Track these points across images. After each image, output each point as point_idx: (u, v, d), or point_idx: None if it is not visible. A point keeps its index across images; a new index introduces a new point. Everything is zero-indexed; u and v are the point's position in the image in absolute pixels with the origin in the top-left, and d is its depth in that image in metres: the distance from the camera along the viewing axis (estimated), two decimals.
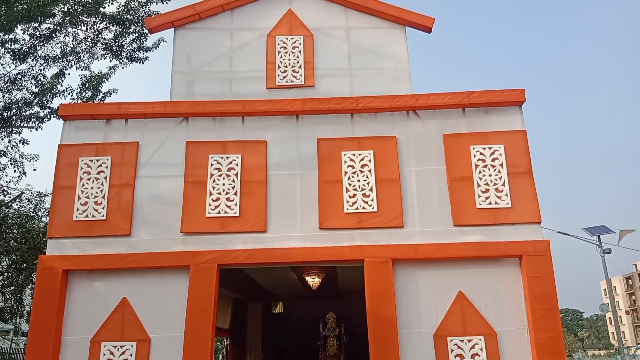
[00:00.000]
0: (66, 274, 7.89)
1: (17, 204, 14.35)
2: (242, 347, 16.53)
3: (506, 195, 7.95)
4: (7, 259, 13.28)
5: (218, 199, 8.13)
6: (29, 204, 14.16)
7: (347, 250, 7.85)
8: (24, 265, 12.68)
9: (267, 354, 16.79)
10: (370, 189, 8.10)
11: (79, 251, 7.96)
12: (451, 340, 7.40)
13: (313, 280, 12.28)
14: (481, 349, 7.34)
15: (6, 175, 14.52)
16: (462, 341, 7.39)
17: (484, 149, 8.27)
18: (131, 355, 7.56)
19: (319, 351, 16.66)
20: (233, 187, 8.22)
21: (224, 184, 8.24)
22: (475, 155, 8.24)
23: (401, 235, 7.88)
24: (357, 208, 8.02)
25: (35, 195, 14.31)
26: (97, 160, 8.43)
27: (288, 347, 16.72)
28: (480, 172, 8.12)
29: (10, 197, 14.24)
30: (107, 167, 8.37)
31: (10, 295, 13.16)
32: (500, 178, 8.07)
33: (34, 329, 7.71)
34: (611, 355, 38.17)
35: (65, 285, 7.86)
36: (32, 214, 14.05)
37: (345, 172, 8.26)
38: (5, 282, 12.95)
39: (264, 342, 16.81)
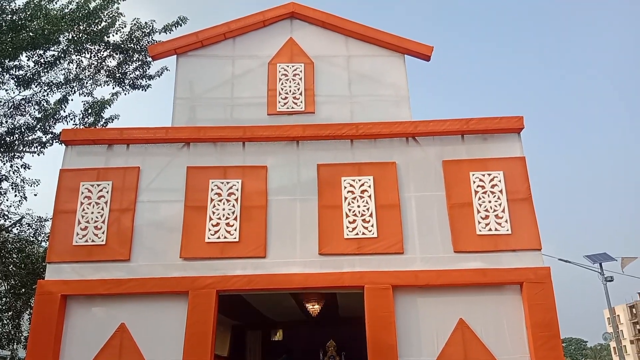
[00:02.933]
0: (65, 299, 7.84)
1: (17, 229, 14.35)
2: None
3: (506, 221, 7.96)
4: (5, 284, 13.22)
5: (218, 224, 8.14)
6: (29, 229, 14.15)
7: (347, 277, 7.81)
8: (23, 290, 12.60)
9: None
10: (370, 215, 8.11)
11: (78, 276, 7.93)
12: None
13: (313, 307, 12.18)
14: None
15: (7, 200, 14.56)
16: None
17: (484, 175, 8.30)
18: None
19: None
20: (233, 212, 8.23)
21: (224, 209, 8.26)
22: (474, 182, 8.27)
23: (401, 261, 7.85)
24: (357, 234, 8.02)
25: (35, 220, 14.32)
26: (98, 185, 8.47)
27: None
28: (480, 199, 8.14)
29: (10, 222, 14.24)
30: (107, 192, 8.40)
31: (7, 320, 13.04)
32: (500, 204, 8.08)
33: (32, 354, 7.62)
34: None
35: (63, 311, 7.81)
36: (32, 239, 14.02)
37: (345, 198, 8.28)
38: (3, 307, 12.84)
39: None
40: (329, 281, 7.84)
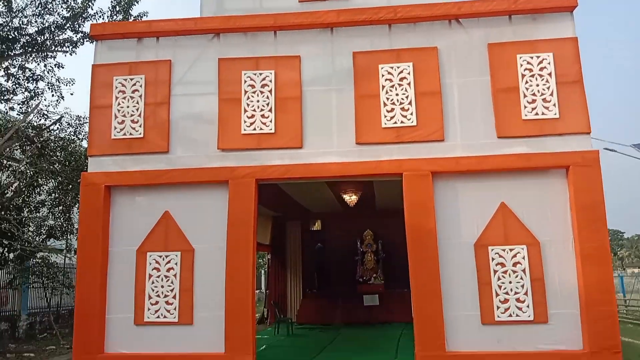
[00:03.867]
0: (108, 190, 8.10)
1: (57, 128, 14.66)
2: (282, 262, 17.09)
3: (554, 105, 7.57)
4: (53, 181, 13.77)
5: (253, 115, 8.04)
6: (69, 127, 14.46)
7: (385, 165, 7.73)
8: (70, 186, 13.14)
9: (307, 268, 17.30)
10: (409, 103, 7.83)
11: (119, 168, 8.12)
12: (492, 250, 7.37)
13: (350, 198, 12.33)
14: (523, 258, 7.29)
15: (45, 100, 14.77)
16: (503, 250, 7.35)
17: (532, 57, 7.81)
18: (176, 264, 7.86)
19: (357, 265, 17.14)
20: (267, 104, 8.09)
21: (258, 101, 8.12)
22: (522, 65, 7.80)
23: (441, 148, 7.68)
24: (395, 122, 7.81)
25: (74, 118, 14.59)
26: (131, 79, 8.39)
27: (327, 262, 17.19)
28: (527, 82, 7.72)
29: (50, 121, 14.55)
30: (141, 86, 8.34)
31: (59, 214, 13.77)
32: (548, 88, 7.65)
33: (83, 241, 8.06)
34: None
35: (108, 201, 8.10)
36: (73, 137, 14.37)
37: (383, 86, 7.98)
38: (54, 203, 13.50)
39: (304, 257, 17.31)
40: (367, 169, 7.79)
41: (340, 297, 16.18)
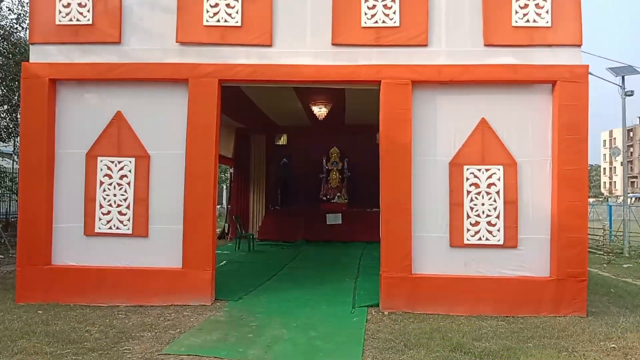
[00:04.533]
0: (54, 83, 7.19)
1: None
2: (245, 176, 16.58)
3: (547, 12, 6.94)
4: None
5: (217, 4, 7.10)
6: (10, 14, 12.94)
7: (363, 70, 7.07)
8: (15, 82, 11.93)
9: (271, 184, 16.89)
10: (393, 0, 7.06)
11: (66, 59, 7.17)
12: (467, 169, 6.97)
13: (320, 111, 11.70)
14: (499, 179, 6.93)
15: None
16: (479, 170, 6.96)
17: None
18: (130, 171, 7.20)
19: (322, 183, 16.84)
20: None
21: None
22: None
23: (424, 54, 7.02)
24: (376, 22, 7.05)
25: (16, 3, 13.02)
26: None
27: (291, 179, 16.80)
28: None
29: None
30: None
31: (5, 114, 12.68)
32: None
33: (25, 141, 7.25)
34: (602, 202, 39.34)
35: (53, 96, 7.22)
36: (15, 25, 12.90)
37: None
38: None
39: (268, 173, 16.84)
40: (343, 75, 7.12)
41: (303, 214, 15.96)
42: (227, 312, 6.67)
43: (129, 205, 7.21)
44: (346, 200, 16.54)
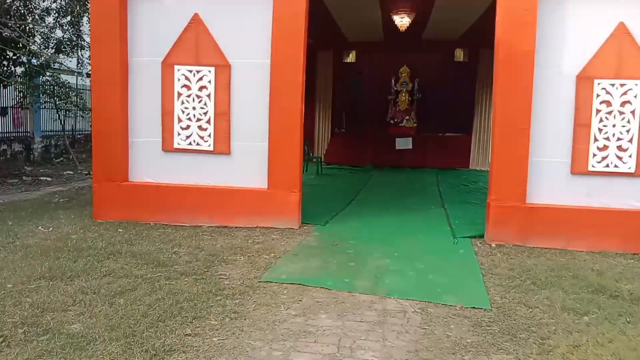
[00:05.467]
0: None
1: None
2: (311, 97, 15.73)
3: None
4: None
5: None
6: None
7: None
8: None
9: (337, 105, 16.04)
10: None
11: None
12: (599, 84, 5.93)
13: (401, 21, 10.56)
14: (635, 96, 5.88)
15: None
16: (612, 85, 5.91)
17: None
18: (210, 82, 6.55)
19: (389, 106, 15.87)
20: None
21: None
22: None
23: None
24: None
25: None
26: None
27: (357, 100, 15.87)
28: None
29: None
30: None
31: (67, 26, 12.16)
32: None
33: (96, 47, 6.67)
34: None
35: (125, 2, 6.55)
36: None
37: None
38: (60, 12, 11.80)
39: (335, 93, 15.95)
40: None
41: (370, 138, 15.16)
42: (318, 237, 6.14)
43: (209, 119, 6.61)
44: (415, 124, 15.55)
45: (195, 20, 6.46)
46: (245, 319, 3.62)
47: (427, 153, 14.71)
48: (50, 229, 6.23)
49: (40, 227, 6.28)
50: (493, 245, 6.03)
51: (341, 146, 15.38)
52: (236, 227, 6.45)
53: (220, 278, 4.53)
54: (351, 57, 15.32)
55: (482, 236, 6.32)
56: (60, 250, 5.18)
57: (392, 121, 15.75)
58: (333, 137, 15.94)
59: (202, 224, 6.54)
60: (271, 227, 6.46)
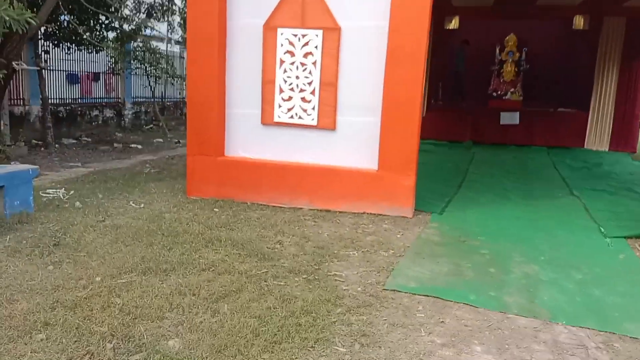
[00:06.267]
0: None
1: None
2: None
3: None
4: None
5: None
6: None
7: None
8: None
9: (436, 74, 14.81)
10: None
11: None
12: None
13: None
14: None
15: None
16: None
17: None
18: (316, 47, 5.74)
19: (492, 77, 14.45)
20: None
21: None
22: None
23: None
24: None
25: None
26: None
27: (460, 72, 14.56)
28: None
29: None
30: None
31: None
32: None
33: (192, 10, 6.02)
34: None
35: None
36: None
37: None
38: None
39: (434, 60, 14.73)
40: None
41: (470, 112, 13.90)
42: (439, 230, 5.26)
43: (314, 90, 5.84)
44: (521, 98, 14.10)
45: None
46: (379, 347, 2.86)
47: (535, 129, 13.29)
48: (142, 205, 5.77)
49: (131, 203, 5.85)
50: None
51: (439, 120, 14.18)
52: (340, 212, 5.72)
53: (336, 281, 3.79)
54: (454, 24, 13.94)
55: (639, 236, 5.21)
56: (153, 233, 4.66)
57: (494, 94, 14.37)
58: (429, 110, 14.77)
59: (302, 206, 5.86)
60: (381, 214, 5.67)
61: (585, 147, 13.11)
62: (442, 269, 4.13)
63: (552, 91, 13.58)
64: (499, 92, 14.40)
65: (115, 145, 11.07)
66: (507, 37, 14.28)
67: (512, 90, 14.30)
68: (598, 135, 13.15)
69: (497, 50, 14.34)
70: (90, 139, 11.72)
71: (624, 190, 7.85)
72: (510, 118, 13.65)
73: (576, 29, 12.96)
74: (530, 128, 13.33)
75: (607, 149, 12.91)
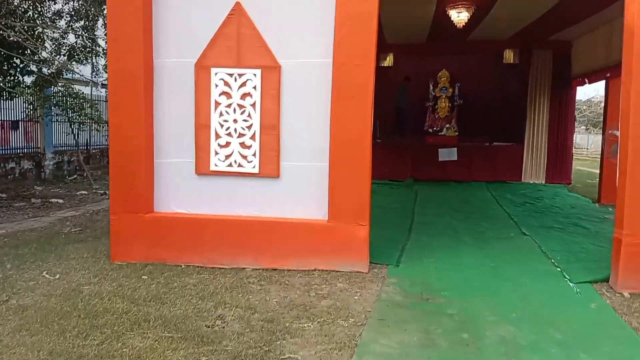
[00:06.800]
0: None
1: None
2: None
3: None
4: None
5: None
6: None
7: None
8: None
9: (377, 113, 14.56)
10: None
11: None
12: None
13: (459, 17, 9.18)
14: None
15: None
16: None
17: None
18: (255, 88, 5.23)
19: (427, 113, 14.49)
20: None
21: None
22: None
23: None
24: None
25: None
26: None
27: (402, 109, 14.44)
28: None
29: None
30: None
31: (81, 31, 10.99)
32: None
33: (114, 47, 5.37)
34: None
35: None
36: None
37: None
38: (73, 15, 10.64)
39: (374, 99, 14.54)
40: None
41: (409, 149, 13.79)
42: (399, 287, 4.74)
43: (254, 134, 5.29)
44: (456, 133, 14.17)
45: (237, 11, 5.15)
46: None
47: (473, 165, 13.36)
48: (57, 276, 4.93)
49: (45, 273, 5.00)
50: (626, 294, 4.63)
51: (379, 158, 13.91)
52: (289, 271, 5.11)
53: None
54: (388, 61, 13.96)
55: (605, 280, 4.93)
56: (67, 316, 3.87)
57: (430, 130, 14.40)
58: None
59: (246, 266, 5.21)
60: (334, 271, 5.11)
61: (522, 180, 13.25)
62: (412, 339, 3.59)
63: (486, 125, 13.70)
64: (435, 128, 14.44)
65: (33, 200, 9.97)
66: (440, 73, 14.43)
67: (447, 126, 14.37)
68: (534, 168, 13.34)
69: (431, 86, 14.45)
70: (4, 195, 10.54)
71: (571, 226, 7.76)
72: (448, 154, 13.64)
73: (507, 63, 13.26)
74: (468, 163, 13.37)
75: (543, 182, 13.10)
